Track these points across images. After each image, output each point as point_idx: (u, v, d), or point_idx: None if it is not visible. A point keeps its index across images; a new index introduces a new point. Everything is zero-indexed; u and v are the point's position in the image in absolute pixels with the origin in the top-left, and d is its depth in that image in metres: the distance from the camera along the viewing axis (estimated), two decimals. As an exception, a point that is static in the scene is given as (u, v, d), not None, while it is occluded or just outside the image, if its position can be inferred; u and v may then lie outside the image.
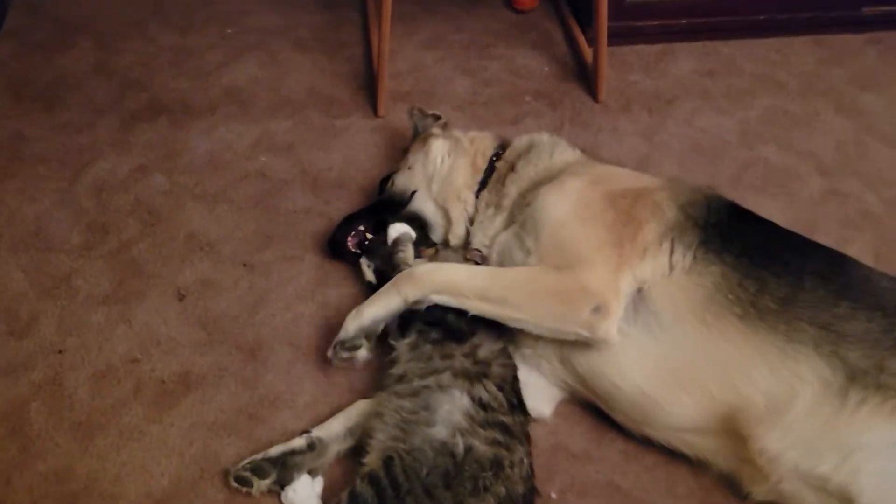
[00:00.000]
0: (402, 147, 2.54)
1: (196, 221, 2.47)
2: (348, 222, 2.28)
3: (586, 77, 3.02)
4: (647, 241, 1.85)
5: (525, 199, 2.04)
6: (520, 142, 2.25)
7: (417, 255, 2.13)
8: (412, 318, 1.88)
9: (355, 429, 1.86)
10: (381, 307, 1.89)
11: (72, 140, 2.74)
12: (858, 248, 2.37)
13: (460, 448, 1.64)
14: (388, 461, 1.65)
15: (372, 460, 1.71)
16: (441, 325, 1.85)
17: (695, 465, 1.84)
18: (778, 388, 1.65)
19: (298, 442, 1.83)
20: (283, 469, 1.78)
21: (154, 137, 2.76)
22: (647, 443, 1.89)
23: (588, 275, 1.79)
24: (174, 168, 2.65)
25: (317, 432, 1.85)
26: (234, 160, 2.69)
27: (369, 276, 2.18)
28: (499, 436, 1.68)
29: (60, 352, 2.10)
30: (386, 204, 2.31)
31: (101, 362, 2.08)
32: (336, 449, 1.85)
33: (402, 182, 2.32)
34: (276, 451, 1.81)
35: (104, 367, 2.07)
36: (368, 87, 2.97)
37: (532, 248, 1.92)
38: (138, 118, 2.83)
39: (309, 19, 3.32)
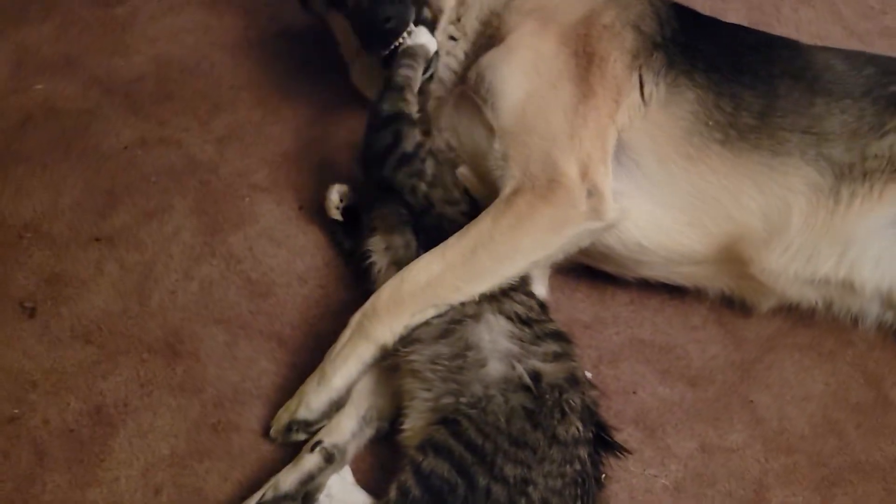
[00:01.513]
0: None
1: (-10, 202, 1.77)
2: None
3: None
4: (617, 77, 1.62)
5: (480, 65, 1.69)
6: None
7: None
8: None
9: (370, 412, 1.53)
10: (350, 365, 1.49)
11: None
12: (735, 14, 2.32)
13: (526, 378, 1.39)
14: (452, 425, 1.35)
15: (418, 425, 1.42)
16: None
17: (694, 292, 1.78)
18: (772, 207, 1.60)
19: (312, 460, 1.45)
20: (308, 500, 1.43)
21: None
22: (643, 283, 1.77)
23: (564, 157, 1.56)
24: None
25: (328, 439, 1.48)
26: (-4, 100, 1.94)
27: (334, 207, 1.70)
28: (555, 346, 1.46)
29: None
30: None
31: (-37, 441, 1.48)
32: (356, 445, 1.52)
33: None
34: (289, 481, 1.43)
35: (-27, 446, 1.47)
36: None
37: (495, 124, 1.62)
38: None
39: None
